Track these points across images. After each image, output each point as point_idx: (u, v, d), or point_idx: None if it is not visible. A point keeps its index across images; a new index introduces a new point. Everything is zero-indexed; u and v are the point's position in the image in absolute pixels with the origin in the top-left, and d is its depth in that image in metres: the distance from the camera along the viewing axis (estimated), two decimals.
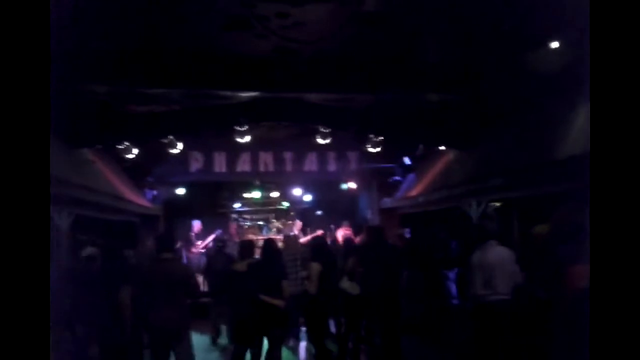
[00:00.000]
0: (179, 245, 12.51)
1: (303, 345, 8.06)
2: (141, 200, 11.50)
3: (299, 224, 12.77)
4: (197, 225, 12.23)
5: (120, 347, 5.61)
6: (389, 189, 12.86)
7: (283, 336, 6.44)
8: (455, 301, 8.84)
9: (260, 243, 7.02)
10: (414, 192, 11.17)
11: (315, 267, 6.42)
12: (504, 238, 6.20)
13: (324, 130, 9.98)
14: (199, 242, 11.79)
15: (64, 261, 7.23)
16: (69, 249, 7.49)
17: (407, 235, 10.40)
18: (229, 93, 8.25)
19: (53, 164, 7.38)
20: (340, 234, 11.86)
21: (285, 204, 14.95)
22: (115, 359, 5.62)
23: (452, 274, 8.97)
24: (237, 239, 11.44)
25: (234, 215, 14.57)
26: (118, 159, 10.22)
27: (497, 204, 9.00)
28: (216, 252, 9.36)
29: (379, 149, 10.71)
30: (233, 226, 13.35)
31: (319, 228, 12.30)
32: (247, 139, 9.72)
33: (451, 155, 10.06)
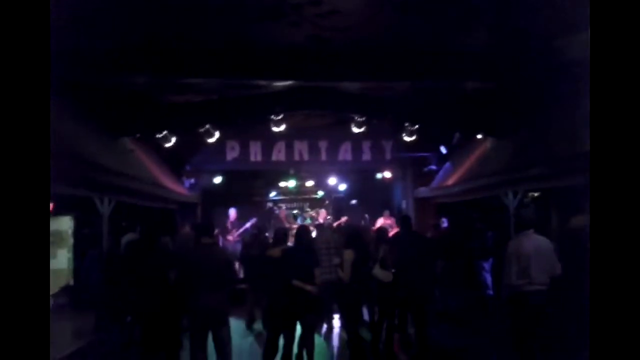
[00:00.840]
0: (216, 232, 12.75)
1: (336, 332, 8.12)
2: (179, 188, 11.73)
3: (323, 212, 12.83)
4: (233, 213, 12.42)
5: (160, 331, 5.76)
6: (425, 178, 12.76)
7: (316, 322, 6.50)
8: (490, 292, 8.76)
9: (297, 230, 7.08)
10: (449, 182, 11.05)
11: (348, 254, 6.45)
12: (542, 228, 6.10)
13: (359, 119, 9.97)
14: (235, 230, 11.97)
15: (105, 246, 7.47)
16: (110, 235, 7.73)
17: (443, 225, 10.31)
18: (264, 82, 8.34)
19: (95, 152, 7.61)
20: (380, 222, 11.87)
21: (320, 193, 15.02)
22: (156, 342, 5.76)
23: (487, 265, 8.88)
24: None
25: (269, 204, 14.73)
26: (157, 148, 10.45)
27: (535, 194, 8.85)
28: (252, 239, 9.49)
29: (414, 138, 10.64)
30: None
31: (353, 217, 12.32)
32: (282, 128, 9.79)
33: (488, 144, 9.90)
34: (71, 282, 10.99)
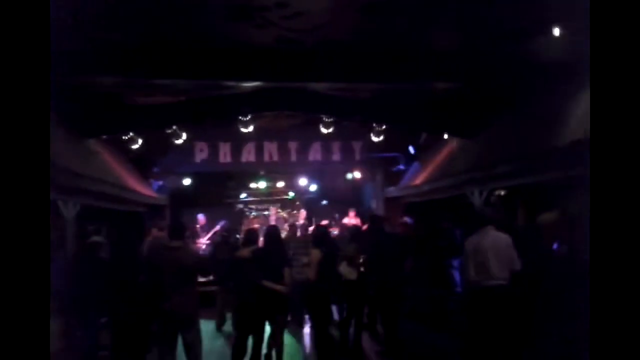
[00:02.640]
0: (185, 234, 12.63)
1: (306, 331, 8.15)
2: (147, 190, 11.59)
3: (303, 213, 12.87)
4: (202, 218, 12.33)
5: (129, 332, 5.70)
6: (394, 178, 12.89)
7: (285, 322, 6.53)
8: (459, 289, 8.89)
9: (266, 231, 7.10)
10: (418, 181, 11.19)
11: (315, 253, 6.49)
12: (507, 225, 6.22)
13: (328, 120, 10.02)
14: (205, 233, 11.89)
15: (70, 249, 7.34)
16: (75, 238, 7.59)
17: (410, 223, 10.44)
18: (232, 83, 8.29)
19: (59, 154, 7.48)
20: (347, 221, 11.96)
21: (291, 194, 15.03)
22: (125, 344, 5.70)
23: (456, 262, 9.01)
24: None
25: (240, 206, 14.68)
26: (124, 150, 10.31)
27: (502, 192, 9.02)
28: (221, 241, 9.46)
29: (383, 138, 10.76)
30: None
31: (323, 217, 12.39)
32: (251, 128, 9.78)
33: (455, 144, 10.06)
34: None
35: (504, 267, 5.26)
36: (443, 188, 9.84)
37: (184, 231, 6.06)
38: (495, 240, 5.38)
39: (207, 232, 11.94)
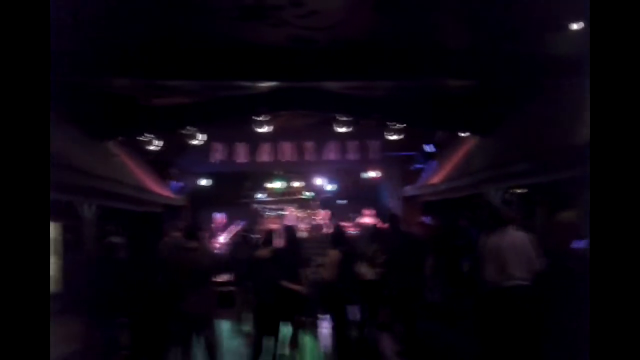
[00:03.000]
0: (202, 235, 12.69)
1: (325, 331, 8.10)
2: (165, 191, 11.67)
3: (322, 212, 12.86)
4: (219, 217, 12.35)
5: (148, 332, 5.73)
6: (411, 176, 12.80)
7: (304, 322, 6.52)
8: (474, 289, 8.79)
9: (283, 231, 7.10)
10: (435, 180, 11.10)
11: (333, 254, 6.46)
12: (526, 224, 6.11)
13: (344, 119, 9.98)
14: (221, 234, 11.92)
15: (88, 250, 7.41)
16: (93, 239, 7.66)
17: (428, 223, 10.36)
18: (247, 83, 8.30)
19: (77, 156, 7.58)
20: (363, 221, 11.91)
21: (309, 194, 15.02)
22: (144, 344, 5.73)
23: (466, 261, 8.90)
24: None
25: (257, 205, 14.70)
26: (141, 151, 10.39)
27: (520, 190, 8.90)
28: (240, 241, 9.47)
29: (399, 137, 10.68)
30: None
31: (340, 217, 12.35)
32: (266, 128, 9.78)
33: (473, 142, 9.96)
34: (59, 289, 10.87)
35: (524, 267, 5.14)
36: (460, 187, 9.75)
37: (199, 232, 6.09)
38: (515, 240, 5.27)
39: (225, 232, 11.97)
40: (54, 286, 10.11)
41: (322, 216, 12.96)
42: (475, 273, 5.85)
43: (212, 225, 12.16)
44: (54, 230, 10.91)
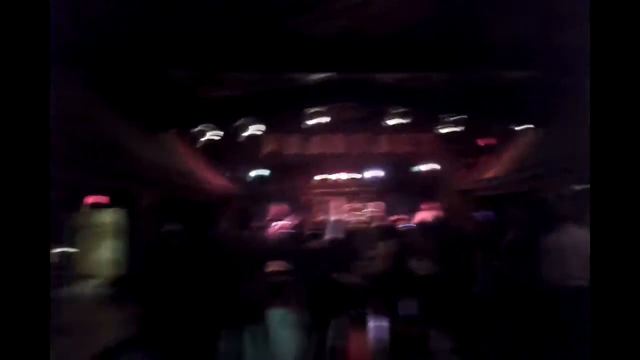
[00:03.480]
0: (255, 225, 12.87)
1: (375, 325, 8.03)
2: (219, 181, 11.88)
3: (374, 205, 12.79)
4: (274, 208, 12.44)
5: (201, 322, 5.85)
6: (465, 170, 12.53)
7: (356, 315, 6.48)
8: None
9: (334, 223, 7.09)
10: (491, 173, 10.82)
11: (385, 246, 6.41)
12: (581, 221, 5.88)
13: (397, 111, 9.87)
14: (276, 224, 12.01)
15: (146, 239, 7.63)
16: (150, 228, 7.89)
17: (484, 218, 10.11)
18: (300, 75, 8.31)
19: (134, 146, 7.78)
20: (421, 215, 11.74)
21: (359, 186, 14.99)
22: (197, 331, 5.87)
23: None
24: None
25: (308, 197, 14.77)
26: (196, 142, 10.61)
27: (579, 187, 8.55)
28: (292, 233, 9.53)
29: (454, 129, 10.47)
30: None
31: (392, 210, 12.24)
32: (319, 120, 9.79)
33: (531, 135, 9.64)
34: (116, 273, 11.30)
35: (584, 265, 4.93)
36: (517, 181, 9.46)
37: (250, 221, 6.16)
38: (575, 238, 5.06)
39: (279, 223, 12.06)
40: (116, 270, 10.56)
41: (374, 209, 12.89)
42: (530, 271, 5.67)
43: (269, 215, 12.27)
44: (117, 216, 11.36)
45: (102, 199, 11.56)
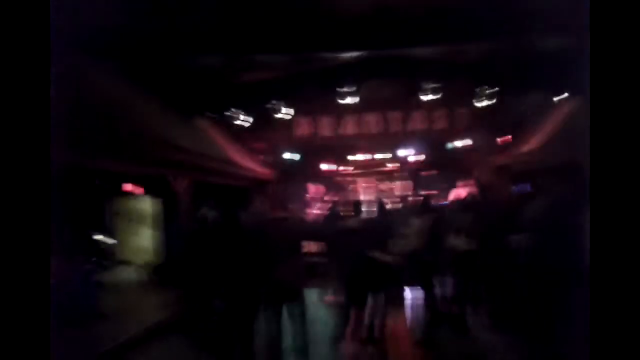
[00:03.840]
0: (291, 207, 12.90)
1: (414, 303, 7.98)
2: (253, 165, 11.93)
3: (407, 184, 12.67)
4: (313, 188, 12.44)
5: (240, 300, 5.90)
6: (502, 144, 12.23)
7: (392, 293, 6.45)
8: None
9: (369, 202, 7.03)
10: (529, 147, 10.52)
11: (419, 223, 6.32)
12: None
13: (431, 86, 9.67)
14: (315, 204, 12.02)
15: (183, 225, 7.73)
16: (188, 213, 7.98)
17: (520, 191, 9.87)
18: (332, 55, 8.23)
19: (169, 132, 7.82)
20: (455, 193, 11.56)
21: (393, 165, 14.86)
22: (236, 312, 5.92)
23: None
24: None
25: (342, 178, 14.73)
26: (230, 126, 10.65)
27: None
28: (329, 212, 9.51)
29: (490, 102, 10.21)
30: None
31: (428, 188, 12.08)
32: (352, 100, 9.69)
33: (571, 105, 9.31)
34: (155, 259, 11.56)
35: None
36: (556, 153, 9.17)
37: (285, 203, 6.14)
38: None
39: (319, 202, 12.06)
40: (151, 257, 10.77)
41: (408, 187, 12.74)
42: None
43: (308, 195, 12.27)
44: (154, 203, 11.56)
45: (139, 186, 11.81)
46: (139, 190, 11.85)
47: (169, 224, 9.42)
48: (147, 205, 11.61)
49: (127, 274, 10.52)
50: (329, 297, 6.36)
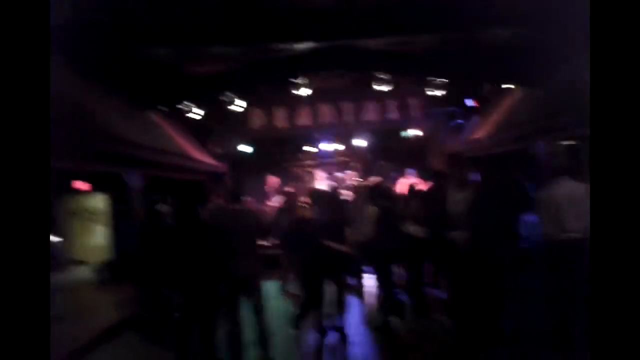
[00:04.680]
0: (247, 199, 12.80)
1: (367, 290, 8.07)
2: (206, 158, 11.79)
3: (352, 174, 12.80)
4: (272, 179, 12.35)
5: (197, 298, 5.85)
6: (454, 133, 12.51)
7: (349, 281, 6.54)
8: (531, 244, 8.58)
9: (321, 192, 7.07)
10: (479, 135, 10.82)
11: (371, 210, 6.42)
12: (576, 175, 5.90)
13: (383, 77, 9.76)
14: (274, 196, 11.93)
15: (136, 219, 7.57)
16: (140, 208, 7.82)
17: (476, 179, 10.10)
18: (285, 45, 8.18)
19: (120, 126, 7.67)
20: (403, 182, 11.74)
21: (347, 155, 14.98)
22: (194, 307, 5.87)
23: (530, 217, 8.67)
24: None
25: (297, 169, 14.75)
26: (182, 119, 10.47)
27: (568, 142, 8.56)
28: (285, 203, 9.50)
29: (441, 92, 10.40)
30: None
31: (381, 176, 12.22)
32: (305, 91, 9.68)
33: (517, 94, 9.61)
34: (110, 257, 11.27)
35: (582, 218, 4.96)
36: (506, 141, 9.47)
37: (240, 195, 6.10)
38: (572, 191, 5.05)
39: (274, 194, 11.98)
40: (104, 256, 10.51)
41: (360, 176, 12.83)
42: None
43: (267, 187, 12.18)
44: (104, 202, 11.26)
45: (90, 183, 11.48)
46: (89, 187, 11.53)
47: (122, 220, 9.21)
48: (99, 202, 11.31)
49: (81, 274, 10.25)
50: (287, 292, 6.40)
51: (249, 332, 5.54)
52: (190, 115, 9.98)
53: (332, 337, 6.13)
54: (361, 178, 12.72)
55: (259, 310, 5.57)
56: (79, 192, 11.60)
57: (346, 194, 9.62)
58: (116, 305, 7.72)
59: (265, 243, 8.05)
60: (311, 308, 6.09)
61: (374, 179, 11.00)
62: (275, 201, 11.72)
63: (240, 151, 13.01)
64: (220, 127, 12.12)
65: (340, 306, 6.23)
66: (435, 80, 9.75)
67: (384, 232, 6.33)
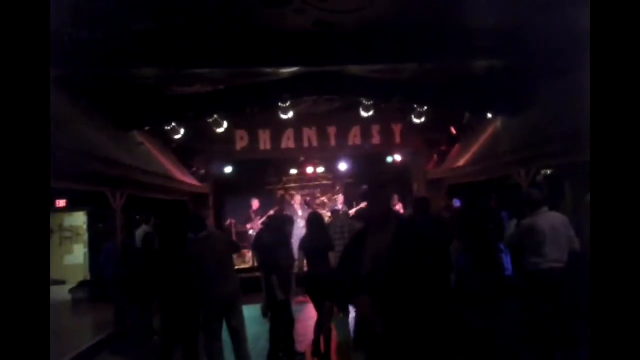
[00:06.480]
0: (227, 222, 12.77)
1: (352, 316, 8.07)
2: (190, 179, 11.75)
3: (340, 198, 12.85)
4: (255, 202, 12.35)
5: (178, 321, 5.81)
6: (435, 159, 12.68)
7: (332, 307, 6.50)
8: (507, 272, 8.68)
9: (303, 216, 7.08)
10: (461, 162, 10.97)
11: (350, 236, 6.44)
12: (556, 205, 6.03)
13: (367, 103, 9.90)
14: (258, 218, 11.92)
15: (119, 240, 7.50)
16: (123, 229, 7.76)
17: (456, 205, 10.24)
18: (270, 70, 8.25)
19: (105, 146, 7.62)
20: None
21: (330, 179, 15.04)
22: (174, 332, 5.82)
23: (503, 245, 8.79)
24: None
25: (280, 192, 14.75)
26: (166, 140, 10.46)
27: (548, 171, 8.74)
28: (264, 226, 9.48)
29: (424, 119, 10.57)
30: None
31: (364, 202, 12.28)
32: (290, 115, 9.76)
33: (498, 123, 9.80)
34: (88, 277, 11.10)
35: (562, 248, 5.08)
36: (487, 169, 9.62)
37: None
38: (553, 222, 5.18)
39: (256, 216, 11.98)
40: (82, 274, 10.36)
41: (339, 201, 12.89)
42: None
43: (251, 210, 12.16)
44: (80, 219, 11.13)
45: (67, 202, 11.33)
46: (66, 203, 11.39)
47: (104, 240, 9.12)
48: (77, 220, 11.18)
49: (58, 293, 10.08)
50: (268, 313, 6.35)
51: (229, 357, 5.50)
52: (174, 135, 9.98)
53: None
54: (343, 201, 12.78)
55: (239, 333, 5.54)
56: (62, 210, 11.47)
57: (328, 218, 9.66)
58: (93, 325, 7.61)
59: (244, 265, 8.02)
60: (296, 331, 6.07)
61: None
62: (256, 223, 11.72)
63: (225, 173, 13.00)
64: (204, 148, 12.13)
65: (324, 331, 6.20)
66: (418, 107, 9.91)
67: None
